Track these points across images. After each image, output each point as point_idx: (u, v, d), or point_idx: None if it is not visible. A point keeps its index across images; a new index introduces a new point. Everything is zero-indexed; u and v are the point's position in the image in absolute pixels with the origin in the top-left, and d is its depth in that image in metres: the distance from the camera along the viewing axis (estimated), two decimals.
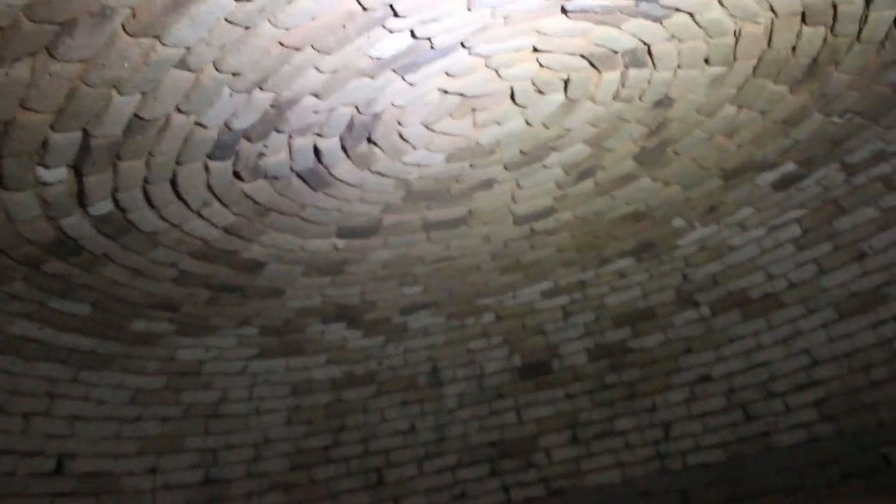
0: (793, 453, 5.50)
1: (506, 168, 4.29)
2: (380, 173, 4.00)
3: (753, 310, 5.77)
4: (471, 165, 4.17)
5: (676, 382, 5.97)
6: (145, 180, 3.35)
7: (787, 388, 5.63)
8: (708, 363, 5.91)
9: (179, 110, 2.94)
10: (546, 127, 3.99)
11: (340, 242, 4.58)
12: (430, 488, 6.03)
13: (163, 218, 3.71)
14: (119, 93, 2.69)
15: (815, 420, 5.49)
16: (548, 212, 4.86)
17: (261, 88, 3.00)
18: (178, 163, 3.31)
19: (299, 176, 3.80)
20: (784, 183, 5.03)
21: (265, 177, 3.70)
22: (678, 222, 5.34)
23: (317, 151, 3.65)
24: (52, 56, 2.40)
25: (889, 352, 5.26)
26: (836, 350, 5.47)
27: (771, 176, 4.95)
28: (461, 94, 3.59)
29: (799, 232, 5.45)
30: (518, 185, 4.50)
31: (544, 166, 4.36)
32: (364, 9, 2.74)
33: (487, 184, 4.40)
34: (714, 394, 5.86)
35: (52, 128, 2.75)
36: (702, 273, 5.83)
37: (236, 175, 3.59)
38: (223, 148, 3.30)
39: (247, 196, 3.80)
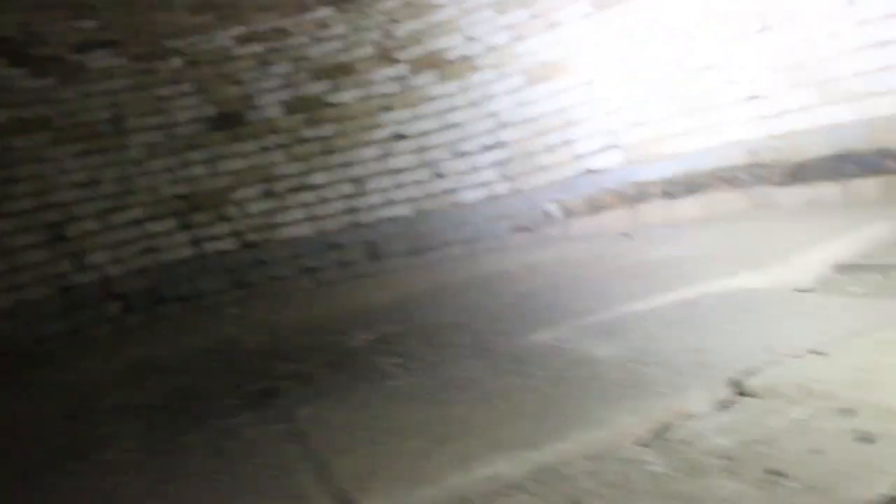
0: (474, 209, 5.89)
1: None
2: None
3: (450, 71, 5.83)
4: None
5: (372, 139, 6.01)
6: None
7: (475, 149, 5.90)
8: (404, 121, 5.98)
9: None
10: None
11: None
12: (115, 243, 5.73)
13: None
14: None
15: (496, 179, 5.86)
16: None
17: None
18: None
19: None
20: None
21: None
22: None
23: None
24: None
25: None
26: (520, 115, 5.74)
27: None
28: None
29: None
30: None
31: None
32: None
33: None
34: (407, 151, 5.99)
35: None
36: (403, 30, 5.73)
37: None
38: None
39: None
